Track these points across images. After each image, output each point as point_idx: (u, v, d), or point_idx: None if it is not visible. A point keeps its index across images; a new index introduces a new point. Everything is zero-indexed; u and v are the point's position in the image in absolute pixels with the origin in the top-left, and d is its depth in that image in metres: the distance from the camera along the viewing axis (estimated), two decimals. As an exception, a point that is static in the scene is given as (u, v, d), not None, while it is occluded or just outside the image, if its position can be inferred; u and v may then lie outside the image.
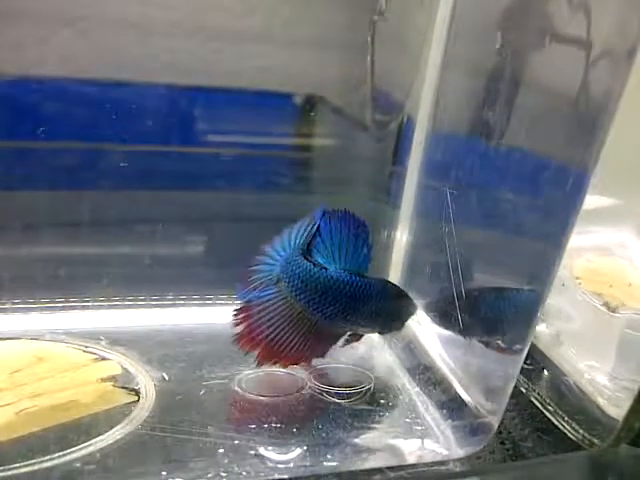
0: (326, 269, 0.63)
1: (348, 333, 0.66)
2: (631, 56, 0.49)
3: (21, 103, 0.69)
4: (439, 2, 0.73)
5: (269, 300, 0.63)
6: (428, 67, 0.75)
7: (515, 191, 0.64)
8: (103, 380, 0.64)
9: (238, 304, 0.64)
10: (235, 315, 0.63)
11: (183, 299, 0.79)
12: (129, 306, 0.77)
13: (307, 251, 0.63)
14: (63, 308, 0.75)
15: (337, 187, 0.82)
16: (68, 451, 0.54)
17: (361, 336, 0.68)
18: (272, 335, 0.62)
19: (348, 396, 0.65)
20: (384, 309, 0.65)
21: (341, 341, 0.66)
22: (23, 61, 0.68)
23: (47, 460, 0.53)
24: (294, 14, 0.73)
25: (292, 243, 0.64)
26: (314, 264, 0.62)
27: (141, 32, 0.69)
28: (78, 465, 0.53)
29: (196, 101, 0.74)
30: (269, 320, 0.62)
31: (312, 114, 0.78)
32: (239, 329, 0.63)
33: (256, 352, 0.63)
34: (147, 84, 0.72)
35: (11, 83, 0.68)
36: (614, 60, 0.52)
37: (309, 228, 0.64)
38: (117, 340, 0.70)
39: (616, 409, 0.62)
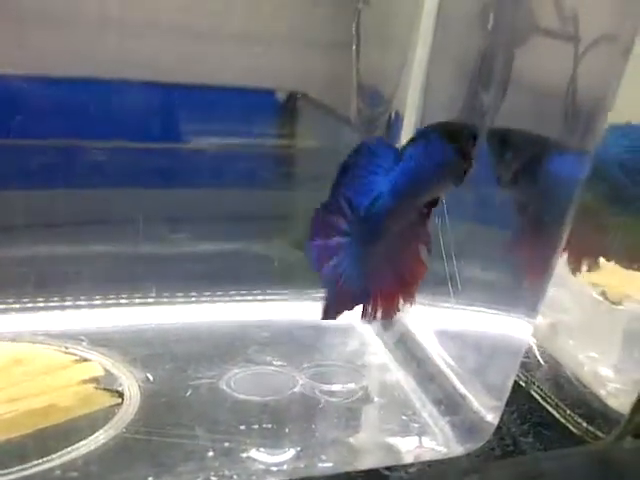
0: None
1: None
2: (625, 51, 0.49)
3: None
4: None
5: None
6: (415, 60, 0.74)
7: None
8: (85, 382, 0.62)
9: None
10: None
11: (166, 297, 0.77)
12: (111, 305, 0.75)
13: None
14: (42, 308, 0.73)
15: (322, 184, 0.80)
16: (48, 458, 0.52)
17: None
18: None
19: (342, 394, 0.64)
20: None
21: None
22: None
23: (26, 468, 0.50)
24: (276, 10, 0.73)
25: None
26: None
27: (120, 30, 0.68)
28: (59, 473, 0.51)
29: (178, 99, 0.74)
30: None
31: (295, 111, 0.78)
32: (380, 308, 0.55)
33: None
34: (127, 82, 0.70)
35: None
36: (607, 55, 0.51)
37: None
38: (99, 340, 0.68)
39: (619, 401, 0.61)
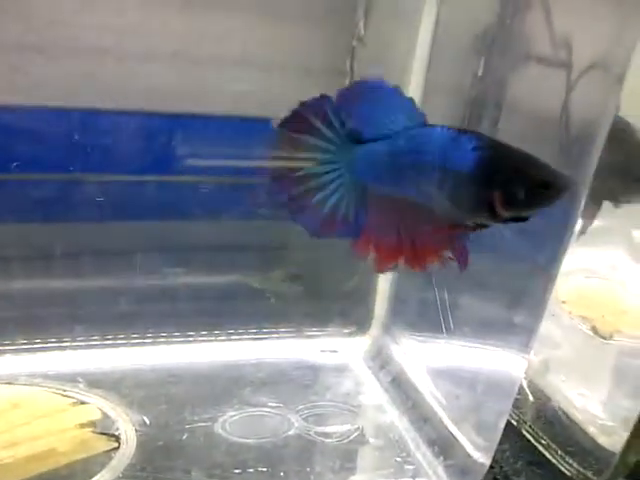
0: None
1: None
2: (619, 77, 0.49)
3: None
4: (419, 26, 0.73)
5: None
6: (410, 94, 0.75)
7: None
8: (82, 426, 0.62)
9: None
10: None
11: (164, 337, 0.77)
12: (108, 345, 0.75)
13: None
14: (39, 349, 0.73)
15: None
16: (48, 504, 0.52)
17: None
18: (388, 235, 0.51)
19: (337, 436, 0.64)
20: None
21: None
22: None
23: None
24: (272, 38, 0.73)
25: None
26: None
27: (117, 59, 0.68)
28: (59, 518, 0.51)
29: (172, 128, 0.73)
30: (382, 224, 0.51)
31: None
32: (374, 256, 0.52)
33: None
34: (123, 112, 0.71)
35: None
36: (600, 82, 0.52)
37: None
38: (96, 382, 0.68)
39: (609, 439, 0.61)
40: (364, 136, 0.51)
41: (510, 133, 0.61)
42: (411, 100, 0.51)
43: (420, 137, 0.48)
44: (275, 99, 0.75)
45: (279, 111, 0.76)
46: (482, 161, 0.44)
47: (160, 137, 0.73)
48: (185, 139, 0.73)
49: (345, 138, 0.51)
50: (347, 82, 0.76)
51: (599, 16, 0.52)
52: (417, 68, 0.74)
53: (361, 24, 0.75)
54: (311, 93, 0.76)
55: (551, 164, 0.55)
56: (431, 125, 0.49)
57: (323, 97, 0.52)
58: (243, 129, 0.75)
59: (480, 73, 0.64)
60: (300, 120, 0.52)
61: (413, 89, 0.74)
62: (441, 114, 0.72)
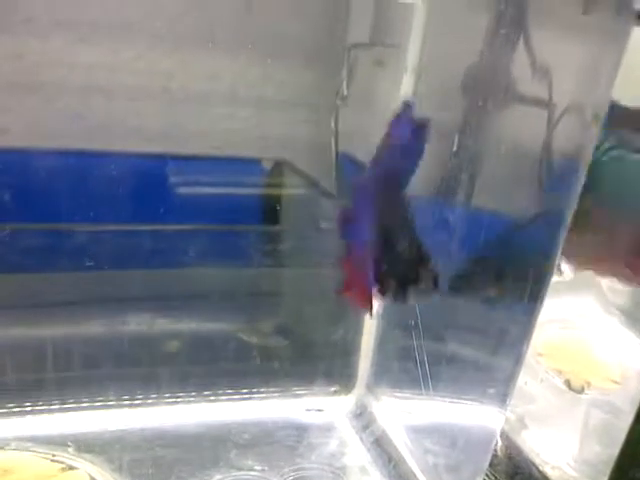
0: None
1: None
2: (598, 116, 0.52)
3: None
4: (401, 81, 0.74)
5: None
6: None
7: (484, 257, 0.64)
8: (71, 493, 0.63)
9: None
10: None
11: (153, 398, 0.78)
12: (98, 407, 0.76)
13: None
14: (29, 412, 0.73)
15: (308, 258, 0.83)
16: None
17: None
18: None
19: (321, 499, 0.65)
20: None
21: None
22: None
23: None
24: (260, 77, 0.73)
25: None
26: None
27: (106, 97, 0.68)
28: None
29: (161, 170, 0.74)
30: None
31: (281, 180, 0.79)
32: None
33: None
34: (109, 153, 0.70)
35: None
36: (582, 120, 0.54)
37: None
38: (85, 446, 0.69)
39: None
40: None
41: (491, 169, 0.63)
42: None
43: None
44: (264, 137, 0.76)
45: (269, 149, 0.78)
46: None
47: (146, 179, 0.73)
48: (172, 179, 0.74)
49: None
50: (332, 138, 0.78)
51: (577, 53, 0.55)
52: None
53: (344, 84, 0.77)
54: (300, 131, 0.78)
55: (533, 200, 0.59)
56: None
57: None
58: (233, 168, 0.76)
59: (461, 111, 0.66)
60: None
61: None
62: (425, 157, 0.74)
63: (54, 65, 0.67)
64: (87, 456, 0.68)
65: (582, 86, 0.54)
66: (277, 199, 0.80)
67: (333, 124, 0.77)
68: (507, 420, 0.72)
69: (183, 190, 0.74)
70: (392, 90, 0.75)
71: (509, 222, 0.62)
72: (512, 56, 0.60)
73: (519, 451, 0.71)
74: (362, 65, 0.78)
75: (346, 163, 0.79)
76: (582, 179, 0.53)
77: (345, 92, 0.77)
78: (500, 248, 0.62)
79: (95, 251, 0.72)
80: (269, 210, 0.80)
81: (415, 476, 0.66)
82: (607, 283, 0.85)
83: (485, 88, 0.63)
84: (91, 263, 0.72)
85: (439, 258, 0.66)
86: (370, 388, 0.81)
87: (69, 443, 0.69)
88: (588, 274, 0.83)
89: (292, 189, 0.80)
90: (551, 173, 0.57)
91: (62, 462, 0.67)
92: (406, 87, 0.74)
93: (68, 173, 0.69)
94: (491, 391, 0.62)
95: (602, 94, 0.52)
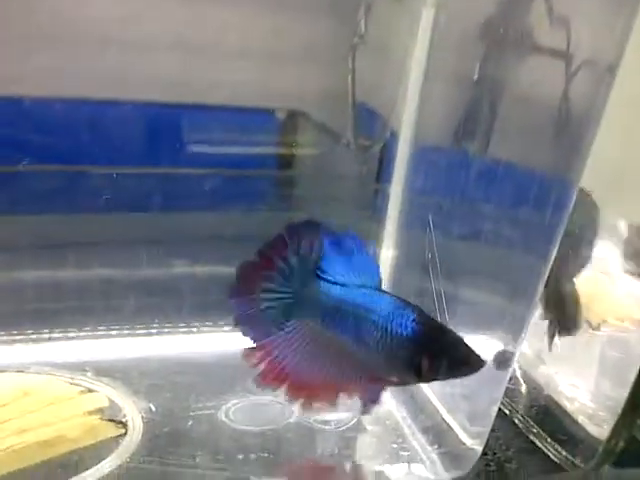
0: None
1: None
2: (613, 68, 0.50)
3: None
4: (421, 17, 0.73)
5: (289, 332, 0.56)
6: (411, 81, 0.75)
7: (500, 204, 0.64)
8: (90, 413, 0.64)
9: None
10: (251, 355, 0.56)
11: (169, 327, 0.79)
12: (115, 336, 0.77)
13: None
14: (48, 340, 0.75)
15: (321, 205, 0.82)
16: (58, 487, 0.53)
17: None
18: (300, 366, 0.55)
19: (335, 423, 0.65)
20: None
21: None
22: (1, 81, 0.67)
23: (38, 497, 0.52)
24: (274, 28, 0.73)
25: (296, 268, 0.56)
26: (339, 284, 0.55)
27: (121, 49, 0.68)
28: (68, 502, 0.53)
29: (176, 118, 0.74)
30: (294, 352, 0.55)
31: (295, 130, 0.78)
32: (261, 367, 0.55)
33: (284, 387, 0.55)
34: (125, 102, 0.71)
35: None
36: (597, 72, 0.53)
37: (314, 248, 0.56)
38: (103, 371, 0.70)
39: (598, 428, 0.63)
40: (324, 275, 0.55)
41: (509, 121, 0.63)
42: (377, 264, 0.57)
43: (371, 297, 0.54)
44: (274, 89, 0.76)
45: (278, 101, 0.77)
46: (419, 333, 0.51)
47: (162, 126, 0.74)
48: (187, 128, 0.74)
49: (306, 270, 0.55)
50: (349, 78, 0.77)
51: (593, 2, 0.54)
52: (418, 56, 0.74)
53: (362, 22, 0.76)
54: (311, 84, 0.78)
55: (547, 152, 0.58)
56: (382, 291, 0.55)
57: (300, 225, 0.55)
58: (243, 119, 0.76)
59: (480, 59, 0.65)
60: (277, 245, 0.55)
61: (414, 77, 0.75)
62: (441, 104, 0.74)
63: (68, 18, 0.67)
64: (105, 380, 0.69)
65: (598, 36, 0.53)
66: (291, 149, 0.80)
67: (350, 63, 0.76)
68: (525, 355, 0.73)
69: (198, 139, 0.75)
70: (411, 27, 0.74)
71: (525, 171, 0.61)
72: (530, 4, 0.60)
73: (537, 385, 0.72)
74: (380, 1, 0.77)
75: (363, 111, 0.78)
76: (596, 130, 0.52)
77: (363, 30, 0.76)
78: (516, 196, 0.62)
79: (113, 194, 0.72)
80: (283, 159, 0.81)
81: (431, 403, 0.67)
82: (627, 228, 0.84)
83: (503, 35, 0.62)
84: (108, 205, 0.72)
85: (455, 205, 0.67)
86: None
87: (87, 369, 0.70)
88: (607, 220, 0.82)
89: (306, 139, 0.80)
90: (568, 122, 0.56)
91: (81, 385, 0.68)
92: (425, 23, 0.73)
93: (84, 121, 0.70)
94: (505, 325, 0.62)
95: (617, 44, 0.51)
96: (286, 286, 0.56)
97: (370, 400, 0.54)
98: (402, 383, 0.56)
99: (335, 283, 0.56)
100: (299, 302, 0.56)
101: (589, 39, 0.53)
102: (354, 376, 0.55)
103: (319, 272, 0.56)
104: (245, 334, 0.56)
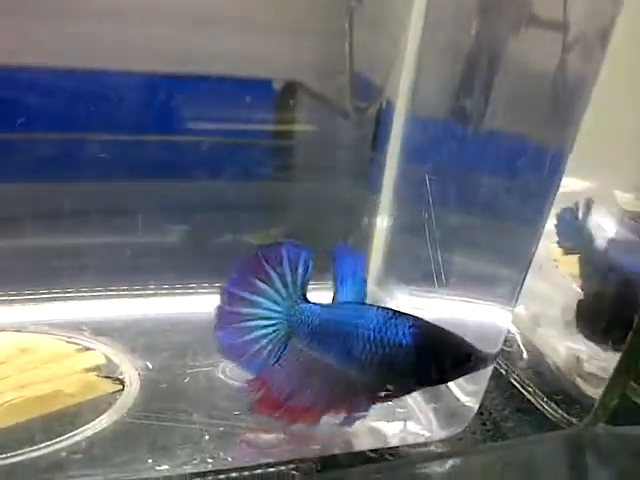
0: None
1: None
2: (604, 40, 0.50)
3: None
4: None
5: (282, 361, 0.56)
6: (407, 52, 0.75)
7: (493, 174, 0.64)
8: (87, 370, 0.64)
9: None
10: (251, 386, 0.56)
11: (165, 288, 0.79)
12: (111, 296, 0.77)
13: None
14: (46, 300, 0.75)
15: (317, 174, 0.82)
16: (54, 441, 0.54)
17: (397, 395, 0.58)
18: (294, 394, 0.56)
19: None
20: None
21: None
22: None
23: (33, 450, 0.53)
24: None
25: (283, 293, 0.56)
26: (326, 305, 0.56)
27: (117, 20, 0.68)
28: (64, 454, 0.53)
29: (174, 89, 0.74)
30: (287, 380, 0.56)
31: (291, 100, 0.78)
32: (258, 396, 0.56)
33: (278, 414, 0.56)
34: (124, 72, 0.71)
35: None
36: (589, 44, 0.53)
37: (300, 270, 0.56)
38: (100, 330, 0.70)
39: (593, 388, 0.63)
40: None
41: (503, 90, 0.62)
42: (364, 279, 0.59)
43: (360, 312, 0.55)
44: (273, 59, 0.76)
45: (277, 71, 0.77)
46: (419, 339, 0.53)
47: (160, 97, 0.73)
48: (185, 99, 0.74)
49: (293, 293, 0.56)
50: (346, 43, 0.77)
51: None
52: (414, 27, 0.74)
53: None
54: (308, 53, 0.77)
55: (540, 122, 0.58)
56: (369, 304, 0.57)
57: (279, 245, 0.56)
58: (240, 89, 0.75)
59: (475, 31, 0.65)
60: (258, 264, 0.56)
61: (410, 48, 0.74)
62: (437, 74, 0.73)
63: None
64: (102, 339, 0.69)
65: (591, 8, 0.53)
66: (288, 118, 0.80)
67: (347, 26, 0.75)
68: (522, 319, 0.73)
69: (196, 109, 0.75)
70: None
71: (518, 141, 0.61)
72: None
73: (534, 347, 0.73)
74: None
75: (359, 80, 0.78)
76: (588, 100, 0.53)
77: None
78: (509, 165, 0.62)
79: (110, 163, 0.72)
80: (279, 129, 0.81)
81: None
82: (621, 196, 0.84)
83: (497, 11, 0.63)
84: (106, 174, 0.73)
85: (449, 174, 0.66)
86: (381, 283, 0.82)
87: (84, 328, 0.71)
88: (603, 190, 0.82)
89: (303, 109, 0.79)
90: (563, 93, 0.56)
91: (78, 344, 0.69)
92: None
93: (82, 91, 0.70)
94: (500, 287, 0.62)
95: (609, 17, 0.51)
96: (273, 311, 0.56)
97: (356, 416, 0.56)
98: (398, 394, 0.57)
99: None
100: (288, 326, 0.56)
101: (581, 11, 0.53)
102: (343, 395, 0.56)
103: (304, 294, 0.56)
104: (240, 367, 0.57)
